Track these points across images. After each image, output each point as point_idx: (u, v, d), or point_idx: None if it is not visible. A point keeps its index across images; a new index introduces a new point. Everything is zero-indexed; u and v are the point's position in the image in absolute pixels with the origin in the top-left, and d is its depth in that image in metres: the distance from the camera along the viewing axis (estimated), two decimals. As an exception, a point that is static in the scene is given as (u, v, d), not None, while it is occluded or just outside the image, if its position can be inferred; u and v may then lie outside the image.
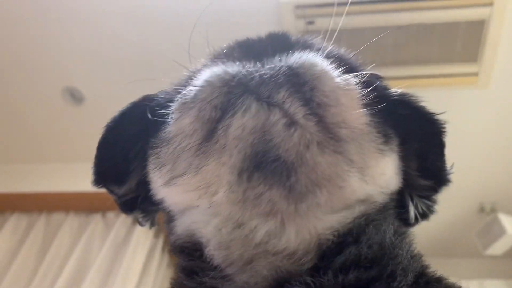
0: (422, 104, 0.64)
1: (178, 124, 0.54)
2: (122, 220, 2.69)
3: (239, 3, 2.15)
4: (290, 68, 0.51)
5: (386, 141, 0.56)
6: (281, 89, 0.49)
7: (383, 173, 0.56)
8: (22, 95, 2.66)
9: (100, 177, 0.66)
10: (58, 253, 2.60)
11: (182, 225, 0.58)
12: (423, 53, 2.25)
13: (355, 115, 0.52)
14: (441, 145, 0.64)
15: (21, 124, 2.83)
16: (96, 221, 2.75)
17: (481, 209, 3.08)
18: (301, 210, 0.50)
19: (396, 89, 0.63)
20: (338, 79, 0.52)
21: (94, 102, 2.65)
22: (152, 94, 0.65)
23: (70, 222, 2.76)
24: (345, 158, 0.50)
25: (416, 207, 0.68)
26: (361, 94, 0.54)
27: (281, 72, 0.50)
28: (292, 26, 2.14)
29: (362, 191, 0.53)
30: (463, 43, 2.19)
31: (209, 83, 0.52)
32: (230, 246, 0.52)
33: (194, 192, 0.53)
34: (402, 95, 0.63)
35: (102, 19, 2.27)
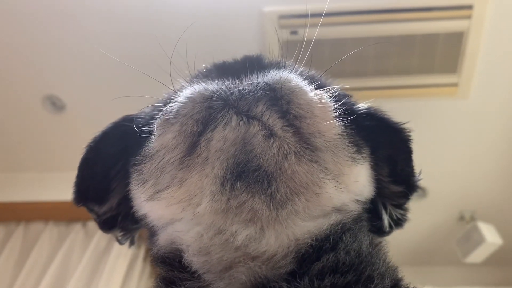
0: (388, 115, 0.68)
1: (161, 140, 0.56)
2: (102, 230, 2.64)
3: (223, 12, 2.15)
4: (267, 84, 0.55)
5: (358, 150, 0.60)
6: (259, 102, 0.53)
7: (356, 180, 0.59)
8: (1, 102, 2.61)
9: (81, 196, 0.69)
10: (37, 264, 2.55)
11: (164, 236, 0.59)
12: (404, 64, 2.28)
13: (328, 125, 0.55)
14: (408, 152, 0.69)
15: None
16: (76, 231, 2.70)
17: (461, 218, 3.13)
18: (281, 217, 0.52)
19: (362, 103, 0.67)
20: (311, 94, 0.56)
21: (76, 110, 2.62)
22: (132, 114, 0.68)
23: (49, 232, 2.71)
24: (320, 166, 0.54)
25: (390, 216, 0.71)
26: (333, 107, 0.58)
27: (259, 87, 0.54)
28: (276, 36, 2.16)
29: (338, 199, 0.56)
30: (442, 54, 2.23)
31: (190, 99, 0.55)
32: (210, 251, 0.53)
33: (178, 204, 0.54)
34: (368, 108, 0.67)
35: (84, 27, 2.25)
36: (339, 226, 0.55)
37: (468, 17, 2.10)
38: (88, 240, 2.66)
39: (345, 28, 2.12)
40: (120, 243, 0.75)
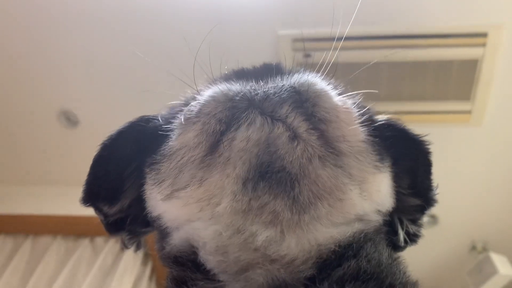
0: (408, 127, 0.68)
1: (182, 138, 0.55)
2: (110, 246, 2.64)
3: (239, 35, 2.18)
4: (292, 86, 0.54)
5: (381, 159, 0.59)
6: (284, 104, 0.52)
7: (378, 189, 0.58)
8: (16, 116, 2.65)
9: (91, 195, 0.66)
10: (43, 278, 2.54)
11: (179, 235, 0.57)
12: (418, 90, 2.28)
13: (353, 130, 0.55)
14: (428, 164, 0.68)
15: (13, 145, 2.81)
16: (84, 246, 2.70)
17: (473, 248, 3.07)
18: (303, 221, 0.51)
19: (382, 115, 0.66)
20: (336, 98, 0.56)
21: (89, 126, 2.65)
22: (148, 115, 0.66)
23: (57, 246, 2.71)
24: (344, 172, 0.53)
25: (406, 232, 0.70)
26: (357, 113, 0.57)
27: (284, 89, 0.53)
28: (290, 59, 2.17)
29: (361, 207, 0.55)
30: (456, 81, 2.23)
31: (213, 98, 0.54)
32: (227, 250, 0.51)
33: (196, 204, 0.53)
34: (388, 119, 0.66)
35: (98, 42, 2.30)
36: (362, 235, 0.54)
37: (483, 45, 2.10)
38: (95, 255, 2.65)
39: (359, 53, 2.13)
40: (126, 247, 0.72)
